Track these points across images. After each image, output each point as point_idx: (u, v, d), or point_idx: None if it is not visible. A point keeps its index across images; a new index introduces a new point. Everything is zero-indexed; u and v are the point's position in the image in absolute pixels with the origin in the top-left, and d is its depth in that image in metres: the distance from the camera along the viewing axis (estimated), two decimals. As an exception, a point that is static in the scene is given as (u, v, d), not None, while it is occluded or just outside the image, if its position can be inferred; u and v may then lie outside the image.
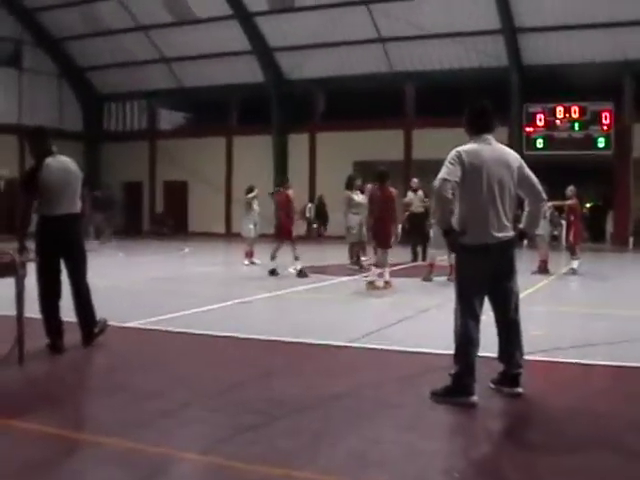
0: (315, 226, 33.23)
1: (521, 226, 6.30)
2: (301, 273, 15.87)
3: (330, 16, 30.24)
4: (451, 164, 5.91)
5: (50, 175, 7.82)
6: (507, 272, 6.12)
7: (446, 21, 28.71)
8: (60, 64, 36.77)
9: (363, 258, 17.49)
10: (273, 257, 16.25)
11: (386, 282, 13.91)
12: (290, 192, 17.14)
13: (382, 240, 13.93)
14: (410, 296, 13.33)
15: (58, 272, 7.96)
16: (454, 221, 6.02)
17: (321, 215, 33.00)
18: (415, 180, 20.05)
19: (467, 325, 5.95)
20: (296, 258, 16.15)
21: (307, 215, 32.99)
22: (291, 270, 16.21)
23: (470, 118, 6.26)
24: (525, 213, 6.32)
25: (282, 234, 16.73)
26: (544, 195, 6.29)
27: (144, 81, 35.99)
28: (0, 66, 33.90)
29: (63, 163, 8.02)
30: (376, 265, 14.22)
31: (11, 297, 7.15)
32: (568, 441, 5.13)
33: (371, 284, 13.98)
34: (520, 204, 6.32)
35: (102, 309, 8.26)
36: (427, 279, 14.83)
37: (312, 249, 26.26)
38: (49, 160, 7.91)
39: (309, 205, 33.03)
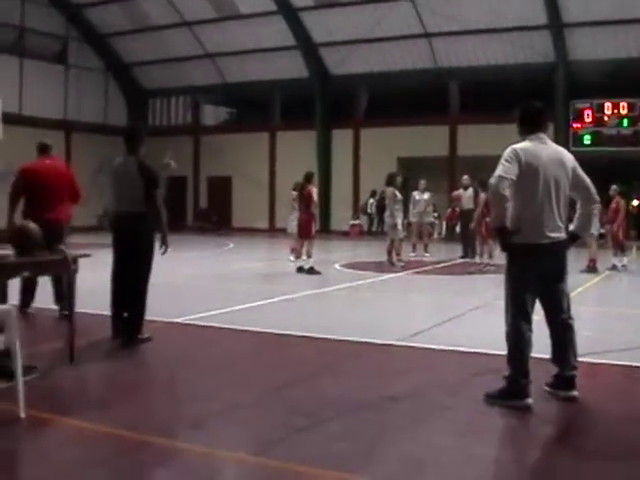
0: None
1: (572, 228, 6.19)
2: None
3: (375, 11, 30.06)
4: (507, 162, 5.79)
5: (108, 174, 8.44)
6: (559, 273, 6.00)
7: (492, 16, 28.35)
8: (106, 60, 36.97)
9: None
10: (309, 255, 16.03)
11: None
12: (313, 189, 16.58)
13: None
14: (459, 294, 13.20)
15: (120, 267, 8.16)
16: (507, 219, 5.90)
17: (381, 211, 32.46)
18: (466, 177, 19.79)
19: (519, 326, 5.83)
20: (309, 256, 15.99)
21: (369, 211, 32.65)
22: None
23: (524, 117, 6.14)
24: (577, 215, 6.18)
25: (301, 232, 16.50)
26: (597, 197, 6.16)
27: (188, 77, 36.05)
28: (47, 62, 34.14)
29: (125, 162, 8.29)
30: None
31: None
32: (621, 448, 5.01)
33: None
34: (572, 205, 6.19)
35: (151, 305, 8.28)
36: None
37: (361, 245, 26.29)
38: (115, 160, 8.46)
39: (370, 201, 32.52)
